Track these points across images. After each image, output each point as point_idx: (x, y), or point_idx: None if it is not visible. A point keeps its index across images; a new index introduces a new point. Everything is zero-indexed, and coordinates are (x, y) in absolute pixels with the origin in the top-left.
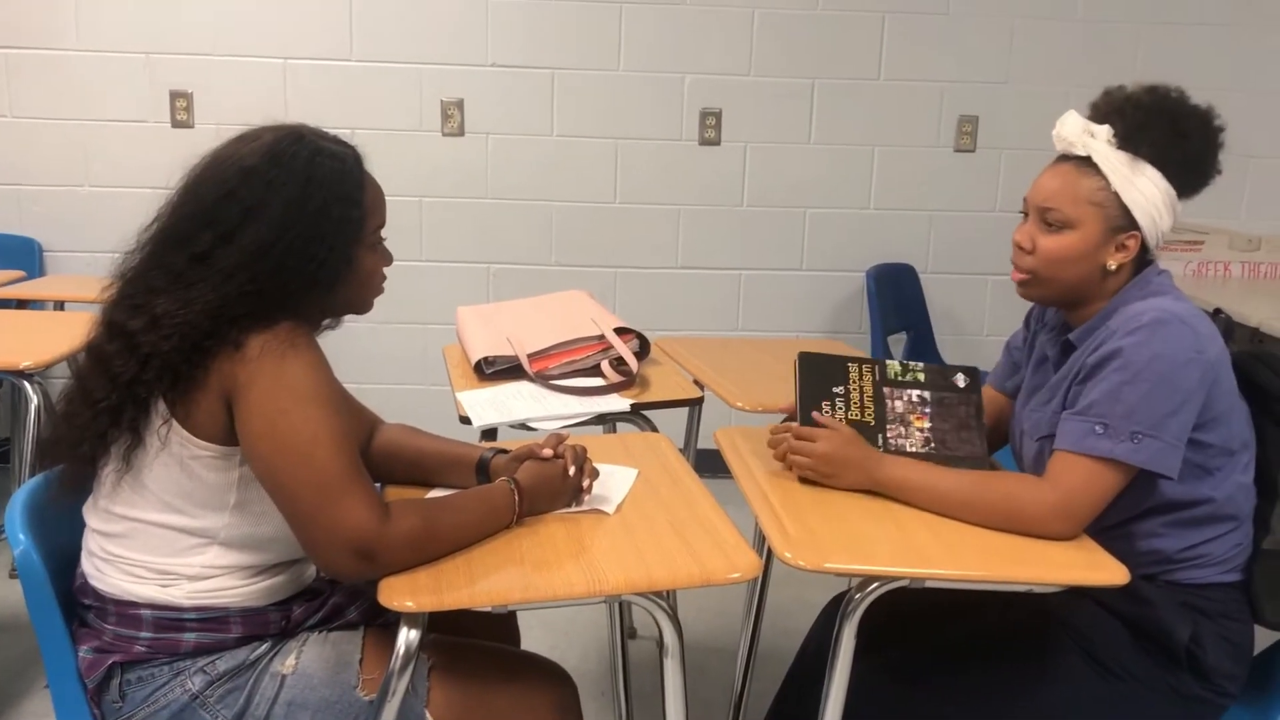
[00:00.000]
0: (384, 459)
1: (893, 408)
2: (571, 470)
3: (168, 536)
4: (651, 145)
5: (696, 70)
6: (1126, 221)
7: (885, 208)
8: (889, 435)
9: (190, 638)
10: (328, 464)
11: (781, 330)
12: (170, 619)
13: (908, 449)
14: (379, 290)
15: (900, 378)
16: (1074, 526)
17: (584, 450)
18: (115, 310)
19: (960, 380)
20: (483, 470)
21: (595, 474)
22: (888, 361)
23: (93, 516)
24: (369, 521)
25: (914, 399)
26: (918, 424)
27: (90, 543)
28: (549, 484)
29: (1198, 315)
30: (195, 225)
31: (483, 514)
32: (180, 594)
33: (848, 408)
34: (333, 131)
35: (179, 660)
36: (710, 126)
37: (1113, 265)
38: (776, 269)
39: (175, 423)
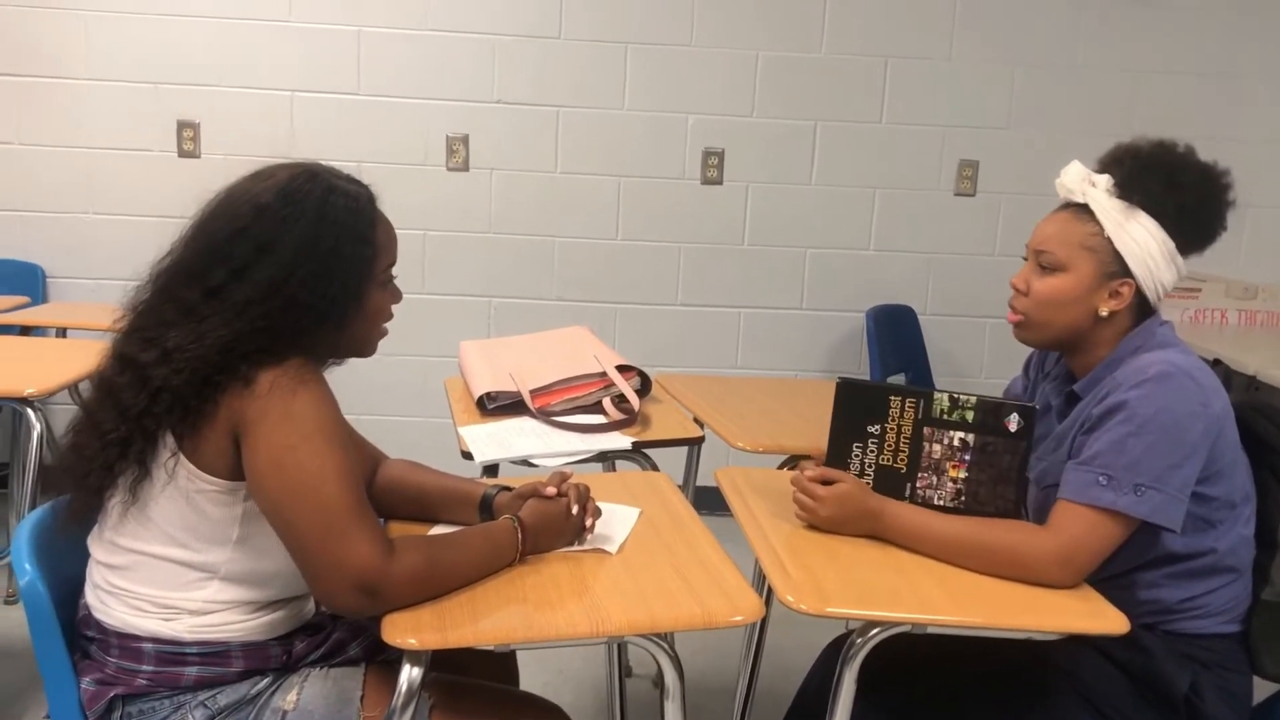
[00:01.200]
0: (387, 494)
1: (929, 453)
2: (575, 509)
3: (171, 570)
4: (654, 183)
5: (700, 110)
6: (1119, 268)
7: (885, 249)
8: (919, 485)
9: (192, 671)
10: (334, 500)
11: (781, 369)
12: (172, 652)
13: (935, 501)
14: (384, 331)
15: (947, 415)
16: (1075, 576)
17: (587, 489)
18: (126, 342)
19: (1013, 423)
20: (486, 507)
21: (598, 513)
22: (936, 394)
23: (97, 548)
24: (374, 558)
25: (955, 443)
26: (952, 473)
27: (94, 574)
28: (552, 523)
29: (1203, 369)
30: (208, 260)
31: (486, 552)
32: (182, 628)
33: (880, 450)
34: (339, 165)
35: (180, 694)
36: (713, 166)
37: (1105, 311)
38: (776, 308)
39: (182, 456)
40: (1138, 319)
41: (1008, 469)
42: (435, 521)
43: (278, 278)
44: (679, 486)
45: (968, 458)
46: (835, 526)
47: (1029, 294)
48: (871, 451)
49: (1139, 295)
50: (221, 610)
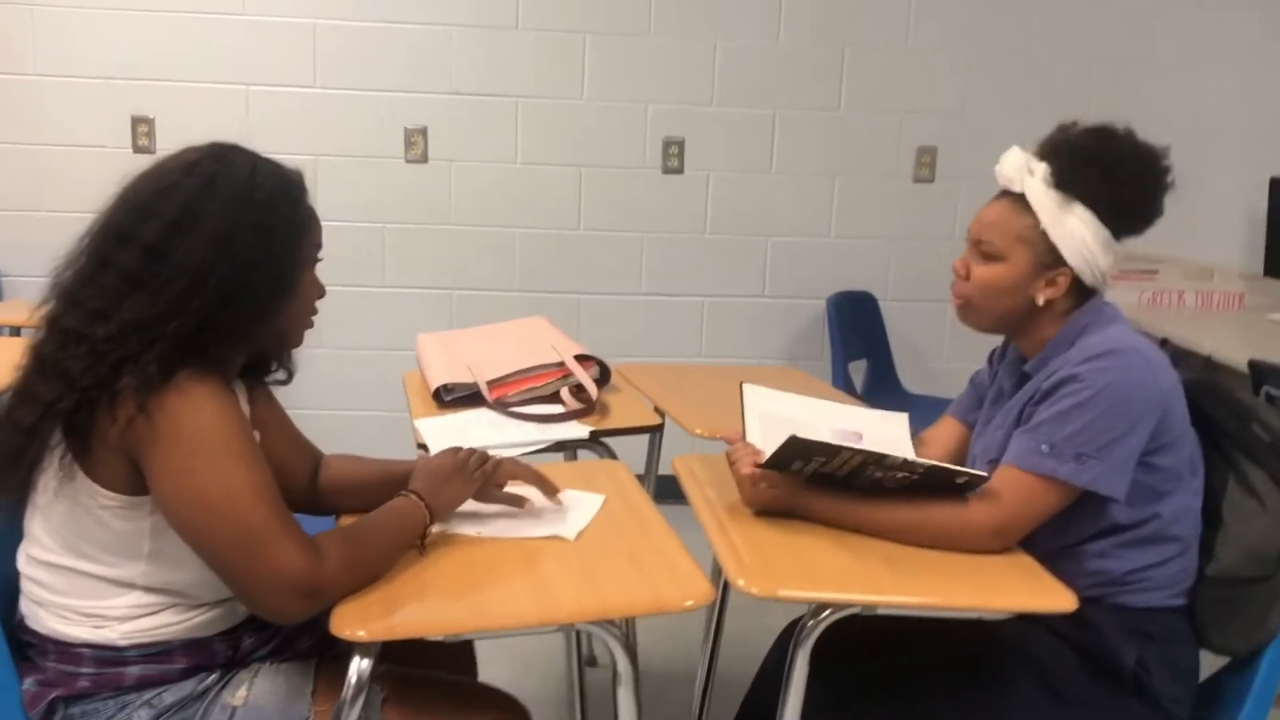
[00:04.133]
0: (333, 492)
1: (871, 475)
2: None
3: (88, 583)
4: (615, 173)
5: (659, 100)
6: (1054, 259)
7: (846, 236)
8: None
9: (134, 671)
10: (247, 516)
11: (744, 357)
12: (110, 656)
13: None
14: (309, 322)
15: (895, 470)
16: (1008, 542)
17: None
18: (67, 318)
19: (960, 479)
20: None
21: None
22: (888, 456)
23: (21, 558)
24: (303, 563)
25: (898, 477)
26: (896, 482)
27: (21, 582)
28: (440, 474)
29: (1151, 346)
30: (137, 227)
31: (397, 526)
32: (114, 635)
33: (822, 467)
34: (297, 159)
35: (124, 694)
36: (673, 155)
37: (1041, 300)
38: (738, 296)
39: (80, 472)
40: (1079, 300)
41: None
42: None
43: (218, 237)
44: (641, 476)
45: (914, 479)
46: (763, 502)
47: (969, 279)
48: (813, 465)
49: (1076, 280)
50: (150, 614)
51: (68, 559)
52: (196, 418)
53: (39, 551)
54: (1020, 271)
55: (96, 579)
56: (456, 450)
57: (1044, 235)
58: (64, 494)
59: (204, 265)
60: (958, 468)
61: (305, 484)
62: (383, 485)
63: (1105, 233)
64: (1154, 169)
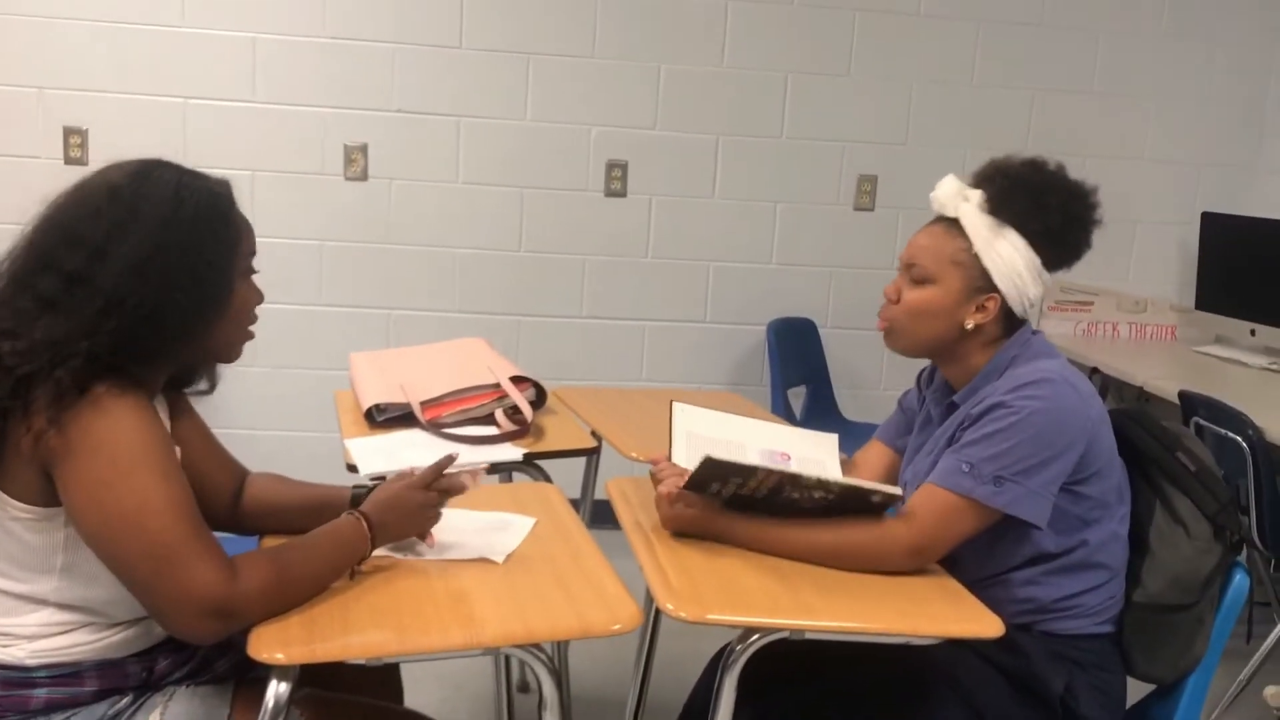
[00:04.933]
0: (256, 511)
1: (788, 495)
2: (425, 490)
3: None
4: (557, 195)
5: (602, 122)
6: (986, 284)
7: (787, 263)
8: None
9: (41, 694)
10: (162, 532)
11: (684, 381)
12: (18, 677)
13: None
14: (249, 333)
15: (811, 491)
16: (924, 560)
17: (445, 464)
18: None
19: (875, 497)
20: (357, 506)
21: (462, 488)
22: (803, 476)
23: None
24: (217, 583)
25: (815, 496)
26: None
27: None
28: (398, 507)
29: (1079, 376)
30: (63, 250)
31: (333, 550)
32: (23, 654)
33: (740, 489)
34: (234, 174)
35: (31, 717)
36: (616, 178)
37: (970, 324)
38: (680, 321)
39: None
40: (1007, 330)
41: (865, 509)
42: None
43: (140, 262)
44: (577, 500)
45: (829, 501)
46: (681, 523)
47: (899, 303)
48: (730, 486)
49: (1005, 308)
50: (61, 633)
51: None
52: (114, 431)
53: None
54: (951, 295)
55: (6, 595)
56: (423, 486)
57: (976, 259)
58: None
59: (120, 289)
60: (873, 485)
61: (228, 502)
62: (307, 510)
63: (1036, 260)
64: (1082, 202)
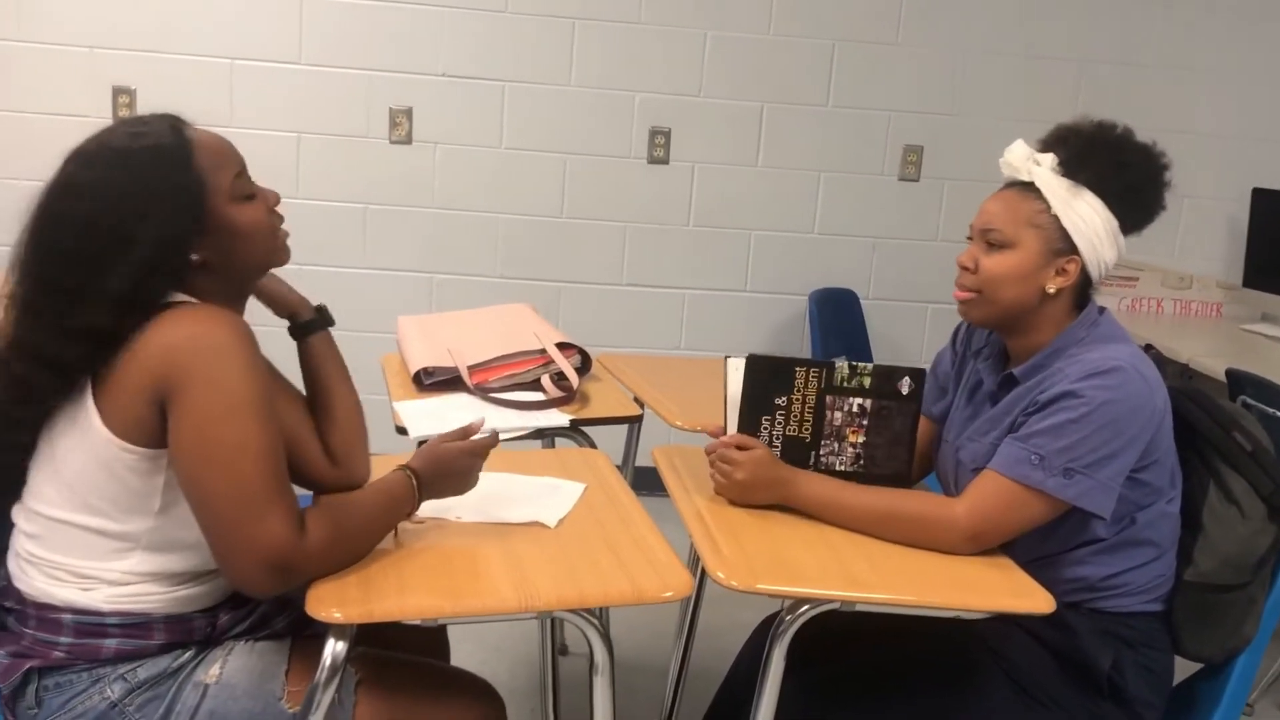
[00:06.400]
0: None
1: (831, 420)
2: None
3: (89, 539)
4: (600, 161)
5: (647, 89)
6: (1066, 245)
7: (829, 233)
8: (822, 453)
9: (111, 644)
10: (252, 476)
11: (723, 350)
12: (91, 624)
13: (837, 467)
14: (277, 233)
15: (846, 383)
16: (980, 546)
17: (494, 435)
18: (17, 326)
19: (905, 386)
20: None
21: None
22: (837, 363)
23: (19, 515)
24: (287, 537)
25: (854, 409)
26: (852, 438)
27: (15, 543)
28: (446, 465)
29: (1147, 362)
30: (36, 255)
31: (385, 508)
32: (100, 598)
33: (787, 421)
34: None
35: (99, 667)
36: (659, 145)
37: (1052, 288)
38: (720, 289)
39: (101, 424)
40: (1079, 301)
41: (901, 431)
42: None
43: (93, 249)
44: (618, 467)
45: (865, 422)
46: (746, 492)
47: (977, 271)
48: (779, 424)
49: (1083, 273)
50: (141, 581)
51: (75, 514)
52: (231, 367)
53: (42, 505)
54: (1031, 259)
55: (101, 535)
56: (472, 451)
57: (1055, 220)
58: (80, 447)
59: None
60: (900, 367)
61: (319, 453)
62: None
63: (1114, 222)
64: (1158, 161)
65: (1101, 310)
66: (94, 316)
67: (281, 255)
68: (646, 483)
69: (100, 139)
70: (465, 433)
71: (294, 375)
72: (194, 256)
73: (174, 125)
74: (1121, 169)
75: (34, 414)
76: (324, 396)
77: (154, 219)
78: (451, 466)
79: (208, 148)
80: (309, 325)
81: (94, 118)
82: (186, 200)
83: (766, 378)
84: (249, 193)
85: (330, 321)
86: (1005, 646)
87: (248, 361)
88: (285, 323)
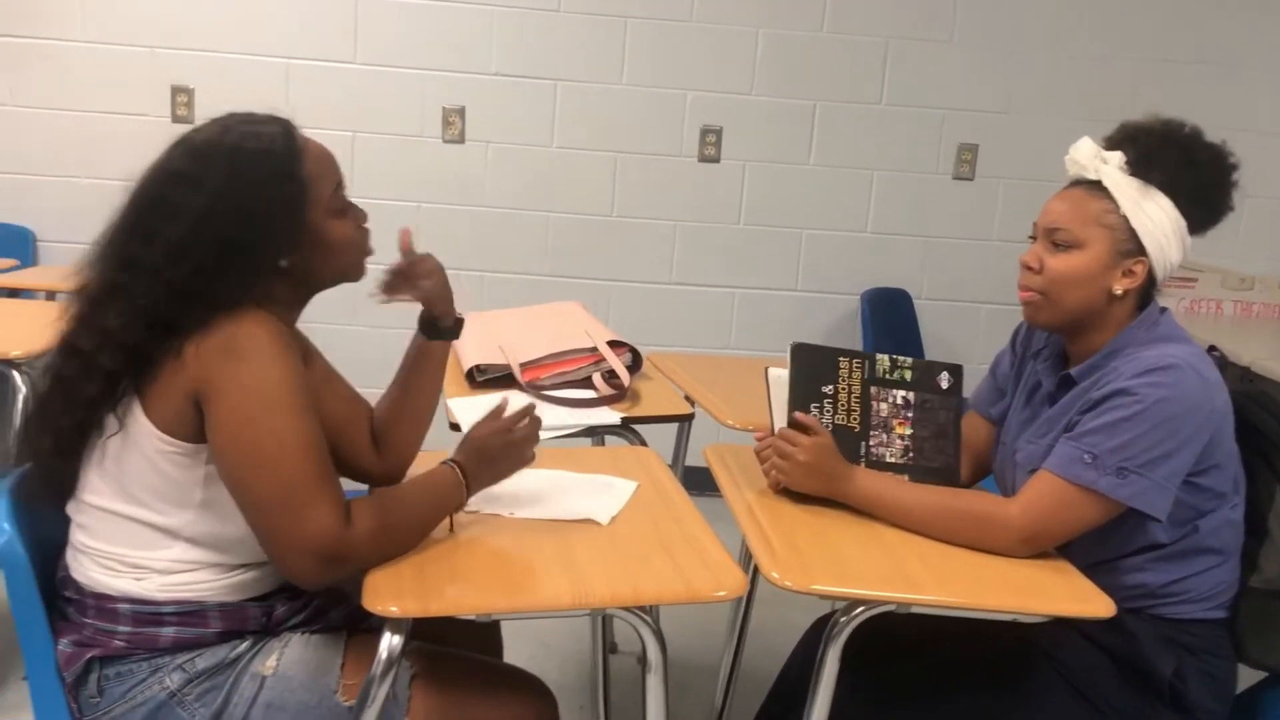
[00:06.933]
0: (385, 429)
1: (877, 411)
2: (514, 419)
3: (135, 530)
4: (651, 160)
5: (698, 87)
6: (1134, 246)
7: (882, 232)
8: (871, 444)
9: (169, 633)
10: (294, 472)
11: (773, 351)
12: (148, 613)
13: (887, 459)
14: (364, 251)
15: (888, 375)
16: (1034, 549)
17: (530, 406)
18: (68, 329)
19: (944, 381)
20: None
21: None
22: (878, 356)
23: (73, 508)
24: (335, 529)
25: (898, 401)
26: (899, 430)
27: (72, 535)
28: (488, 452)
29: (1206, 361)
30: (128, 234)
31: (433, 501)
32: (153, 587)
33: (835, 409)
34: (333, 136)
35: (158, 656)
36: (710, 144)
37: (1119, 290)
38: (770, 289)
39: (144, 417)
40: (1142, 302)
41: (945, 424)
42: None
43: (185, 240)
44: (669, 467)
45: (910, 414)
46: (805, 477)
47: (1042, 272)
48: (828, 412)
49: (1149, 275)
50: (191, 570)
51: (119, 504)
52: (264, 368)
53: (92, 496)
54: (1099, 260)
55: (145, 526)
56: (508, 430)
57: (1124, 221)
58: (124, 439)
59: (183, 251)
60: (939, 363)
61: (368, 440)
62: (410, 371)
63: (1182, 222)
64: (1227, 160)
65: (1163, 310)
66: (172, 306)
67: (358, 273)
68: (696, 483)
69: (213, 134)
70: (494, 414)
71: (360, 367)
72: (282, 263)
73: (287, 130)
74: (1192, 169)
75: (102, 394)
76: (415, 395)
77: (258, 222)
78: (489, 449)
79: (316, 157)
80: (444, 331)
81: (153, 117)
82: (290, 209)
83: (812, 366)
84: (344, 206)
85: (457, 335)
86: (1061, 651)
87: (279, 360)
88: (350, 321)
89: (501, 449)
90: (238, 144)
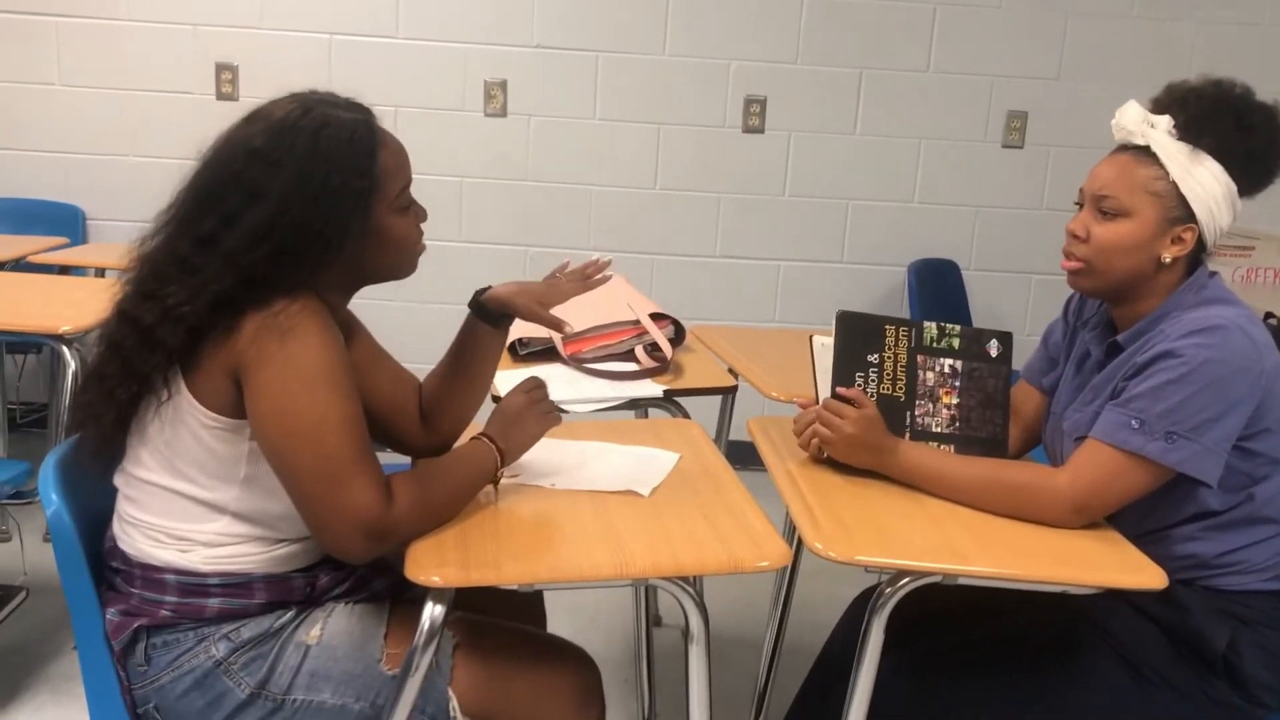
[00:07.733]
0: (434, 405)
1: (924, 380)
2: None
3: (180, 503)
4: (694, 131)
5: (742, 57)
6: (1184, 213)
7: (929, 202)
8: (917, 413)
9: (214, 603)
10: (336, 447)
11: (819, 323)
12: (194, 584)
13: (933, 429)
14: (417, 251)
15: (935, 343)
16: (1084, 518)
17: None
18: (128, 300)
19: (993, 349)
20: (478, 309)
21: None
22: (925, 324)
23: (120, 479)
24: (376, 503)
25: (945, 370)
26: (945, 399)
27: (119, 506)
28: (510, 414)
29: (1256, 322)
30: (201, 210)
31: (469, 474)
32: (198, 559)
33: (880, 379)
34: (376, 110)
35: (204, 626)
36: (754, 114)
37: (1168, 258)
38: (816, 261)
39: (188, 393)
40: (1191, 267)
41: (994, 392)
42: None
43: (266, 223)
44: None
45: (958, 383)
46: (850, 449)
47: (1089, 240)
48: (873, 381)
49: (1198, 241)
50: (236, 543)
51: (166, 478)
52: (304, 349)
53: (139, 470)
54: (1148, 227)
55: (190, 500)
56: (529, 390)
57: (1173, 187)
58: (169, 413)
59: (260, 235)
60: (988, 330)
61: (415, 413)
62: (459, 353)
63: (1233, 187)
64: (1277, 121)
65: (1212, 274)
66: (240, 288)
67: (409, 272)
68: (739, 456)
69: (294, 112)
70: (517, 389)
71: (402, 343)
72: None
73: (368, 122)
74: (1245, 131)
75: (158, 368)
76: (470, 379)
77: (328, 209)
78: (509, 412)
79: (392, 151)
80: (497, 319)
81: (198, 94)
82: (361, 201)
83: (858, 334)
84: (408, 204)
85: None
86: (1111, 623)
87: (321, 339)
88: (393, 298)
89: (519, 407)
90: (319, 128)
